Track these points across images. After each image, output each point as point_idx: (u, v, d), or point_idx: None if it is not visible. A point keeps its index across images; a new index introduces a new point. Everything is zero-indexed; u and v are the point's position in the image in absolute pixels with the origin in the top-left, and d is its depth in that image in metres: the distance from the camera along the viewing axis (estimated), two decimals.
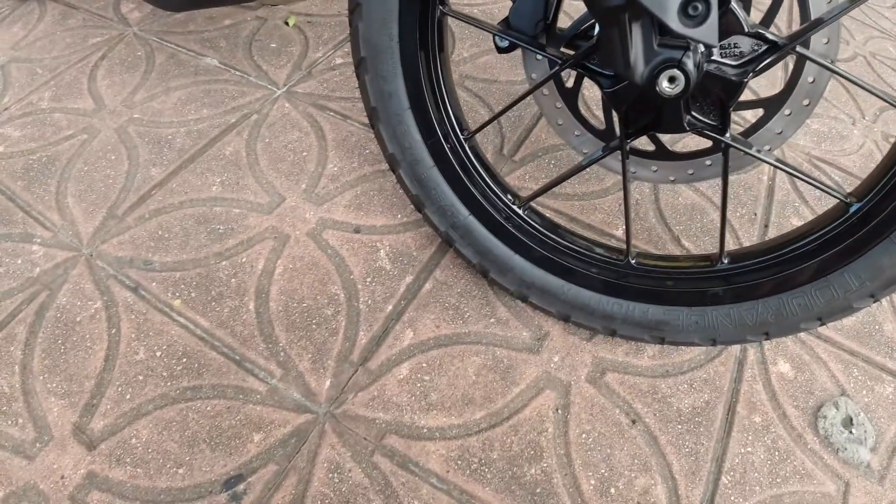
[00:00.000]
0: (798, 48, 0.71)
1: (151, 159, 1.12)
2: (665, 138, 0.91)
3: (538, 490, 0.82)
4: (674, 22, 0.58)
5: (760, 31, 0.69)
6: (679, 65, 0.63)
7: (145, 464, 0.80)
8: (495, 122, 1.23)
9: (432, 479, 0.81)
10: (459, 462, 0.83)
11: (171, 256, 0.99)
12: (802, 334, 1.05)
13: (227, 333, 0.92)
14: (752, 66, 0.71)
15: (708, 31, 0.60)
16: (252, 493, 0.79)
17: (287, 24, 1.37)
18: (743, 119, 1.32)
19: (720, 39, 0.71)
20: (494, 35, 0.82)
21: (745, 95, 1.12)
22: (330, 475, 0.81)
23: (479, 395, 0.89)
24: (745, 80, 0.70)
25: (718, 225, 1.15)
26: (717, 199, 1.18)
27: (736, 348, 1.00)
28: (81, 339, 0.90)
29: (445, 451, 0.84)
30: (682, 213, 1.14)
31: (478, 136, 1.19)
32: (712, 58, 0.71)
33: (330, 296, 0.95)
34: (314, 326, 0.92)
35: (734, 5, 0.67)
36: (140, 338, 0.91)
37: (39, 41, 1.36)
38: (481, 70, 1.34)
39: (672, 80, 0.64)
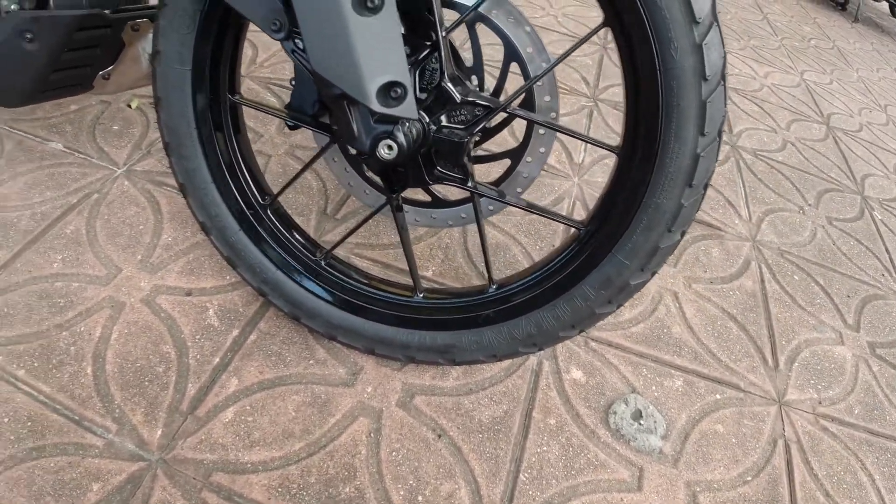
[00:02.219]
0: (510, 109, 0.88)
1: None
2: (440, 190, 1.06)
3: None
4: (374, 104, 0.73)
5: (472, 99, 0.85)
6: (391, 136, 0.78)
7: None
8: (321, 186, 1.37)
9: None
10: (280, 489, 0.94)
11: (15, 331, 1.07)
12: (593, 344, 1.21)
13: (67, 397, 1.00)
14: (473, 127, 0.87)
15: (407, 108, 0.75)
16: None
17: (130, 106, 1.47)
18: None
19: (441, 111, 0.86)
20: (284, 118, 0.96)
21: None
22: None
23: (298, 429, 1.00)
24: (466, 140, 0.86)
25: (520, 258, 1.31)
26: (521, 238, 1.35)
27: (533, 362, 1.15)
28: None
29: (267, 481, 0.94)
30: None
31: (303, 199, 1.33)
32: (442, 125, 0.87)
33: (162, 354, 1.05)
34: (147, 383, 1.02)
35: (445, 84, 0.83)
36: None
37: None
38: (311, 139, 1.48)
39: (389, 147, 0.79)
